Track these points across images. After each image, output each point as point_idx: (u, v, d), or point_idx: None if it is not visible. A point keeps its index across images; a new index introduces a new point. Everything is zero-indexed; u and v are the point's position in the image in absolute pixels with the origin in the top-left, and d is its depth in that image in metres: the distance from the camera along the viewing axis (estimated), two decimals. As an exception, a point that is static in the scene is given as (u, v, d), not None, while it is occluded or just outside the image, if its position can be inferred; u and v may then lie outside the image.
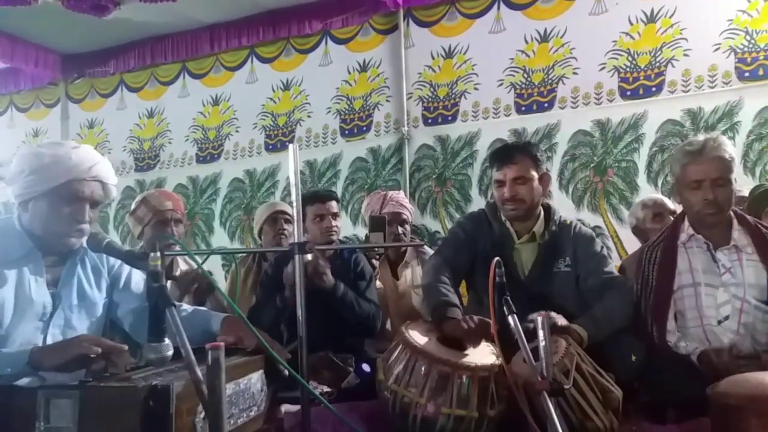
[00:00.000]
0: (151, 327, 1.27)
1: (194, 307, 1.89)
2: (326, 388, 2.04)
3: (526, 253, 2.22)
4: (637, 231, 2.99)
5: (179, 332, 1.17)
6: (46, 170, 1.65)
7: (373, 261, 2.76)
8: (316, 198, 2.65)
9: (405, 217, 2.94)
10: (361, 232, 4.05)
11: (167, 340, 1.28)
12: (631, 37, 3.59)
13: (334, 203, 2.67)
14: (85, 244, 1.79)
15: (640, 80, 3.57)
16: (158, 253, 1.26)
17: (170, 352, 1.29)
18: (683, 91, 3.47)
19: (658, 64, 3.53)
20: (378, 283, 2.81)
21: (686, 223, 2.11)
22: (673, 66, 3.50)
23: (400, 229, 2.89)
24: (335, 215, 2.66)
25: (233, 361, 1.50)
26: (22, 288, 1.66)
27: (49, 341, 1.70)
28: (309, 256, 2.27)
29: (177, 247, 1.97)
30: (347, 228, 4.06)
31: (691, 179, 2.02)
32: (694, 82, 3.45)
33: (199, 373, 1.09)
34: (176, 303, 1.86)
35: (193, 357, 1.12)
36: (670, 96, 3.50)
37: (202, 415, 1.23)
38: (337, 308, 2.42)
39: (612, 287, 2.08)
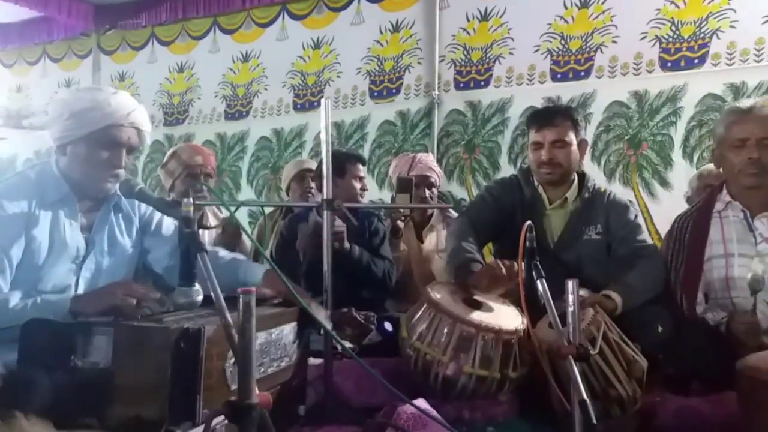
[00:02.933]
0: (182, 272, 1.29)
1: (234, 255, 1.92)
2: (348, 345, 2.07)
3: (556, 219, 2.20)
4: (690, 202, 2.91)
5: (210, 277, 1.19)
6: (85, 114, 1.66)
7: (398, 222, 2.75)
8: (359, 158, 2.73)
9: (433, 180, 2.91)
10: (386, 196, 4.04)
11: (197, 286, 1.30)
12: (677, 5, 3.44)
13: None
14: (118, 191, 1.82)
15: (683, 51, 3.44)
16: (191, 200, 1.27)
17: (200, 297, 1.31)
18: (727, 65, 3.33)
19: (702, 35, 3.39)
20: (402, 245, 2.81)
21: (724, 191, 2.06)
22: (718, 38, 3.35)
23: (427, 192, 2.86)
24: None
25: (267, 311, 1.53)
26: (57, 230, 1.70)
27: (81, 284, 1.75)
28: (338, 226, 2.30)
29: (208, 198, 1.99)
30: (373, 192, 4.03)
31: (735, 138, 1.95)
32: (739, 55, 3.31)
33: (229, 318, 1.11)
34: (212, 248, 1.90)
35: (223, 302, 1.14)
36: (713, 69, 3.36)
37: (233, 360, 1.26)
38: (353, 269, 2.43)
39: (644, 256, 2.05)
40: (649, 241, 2.16)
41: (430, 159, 3.03)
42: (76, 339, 1.16)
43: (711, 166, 2.96)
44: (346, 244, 2.40)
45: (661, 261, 2.09)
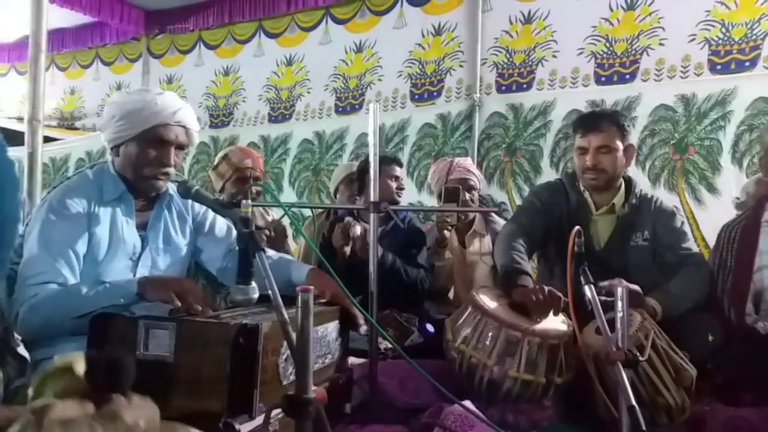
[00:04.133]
0: (239, 270, 1.34)
1: (280, 255, 1.97)
2: (394, 343, 2.10)
3: (603, 225, 2.18)
4: (743, 208, 2.81)
5: (268, 276, 1.23)
6: (134, 115, 1.73)
7: (445, 232, 2.74)
8: (393, 159, 2.81)
9: (472, 183, 2.89)
10: (425, 198, 4.05)
11: (254, 283, 1.35)
12: (727, 6, 3.37)
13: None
14: (172, 191, 1.89)
15: (733, 54, 3.36)
16: (249, 201, 1.32)
17: (256, 295, 1.36)
18: (781, 67, 3.25)
19: (754, 36, 3.31)
20: (447, 254, 2.80)
21: None
22: (771, 39, 3.27)
23: (467, 195, 2.83)
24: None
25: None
26: (116, 228, 1.77)
27: (138, 280, 1.82)
28: (357, 231, 2.33)
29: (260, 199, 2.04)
30: (412, 194, 4.06)
31: None
32: (793, 58, 3.23)
33: (286, 315, 1.15)
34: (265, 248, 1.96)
35: (280, 299, 1.18)
36: (764, 72, 3.28)
37: (285, 356, 1.30)
38: (385, 276, 2.44)
39: (689, 264, 2.03)
40: (695, 248, 2.13)
41: (468, 162, 3.01)
42: (141, 332, 1.22)
43: None
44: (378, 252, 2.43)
45: (707, 269, 2.06)
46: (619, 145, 2.15)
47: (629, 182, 2.23)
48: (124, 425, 0.53)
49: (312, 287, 1.03)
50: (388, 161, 2.77)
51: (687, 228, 2.18)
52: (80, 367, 0.85)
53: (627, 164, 2.21)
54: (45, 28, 2.53)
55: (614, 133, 2.13)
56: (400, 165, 2.89)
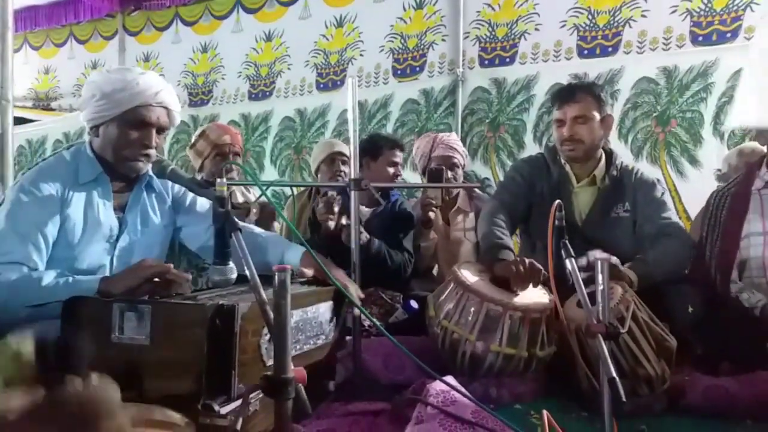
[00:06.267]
0: (216, 250, 1.32)
1: (270, 233, 1.94)
2: (375, 321, 2.09)
3: (584, 197, 2.19)
4: (724, 179, 2.80)
5: (245, 256, 1.20)
6: (115, 95, 1.69)
7: (430, 213, 2.72)
8: (396, 144, 2.75)
9: (456, 160, 2.85)
10: (409, 175, 4.03)
11: (231, 264, 1.32)
12: (709, -23, 3.35)
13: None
14: (150, 171, 1.85)
15: (715, 25, 3.35)
16: (224, 180, 1.29)
17: (234, 275, 1.33)
18: (761, 38, 3.25)
19: (735, 7, 3.29)
20: (432, 234, 2.78)
21: (764, 169, 2.02)
22: (752, 10, 3.25)
23: (449, 174, 2.79)
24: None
25: (302, 289, 1.55)
26: (92, 210, 1.73)
27: (115, 262, 1.79)
28: (344, 221, 2.31)
29: (237, 178, 2.01)
30: (396, 172, 4.04)
31: None
32: (774, 28, 3.22)
33: (264, 295, 1.13)
34: (248, 226, 1.93)
35: (258, 279, 1.16)
36: (746, 42, 3.27)
37: (267, 337, 1.28)
38: (370, 262, 2.43)
39: (668, 234, 2.04)
40: (675, 218, 2.13)
41: (452, 138, 2.95)
42: (116, 316, 1.20)
43: (753, 143, 2.88)
44: (364, 238, 2.39)
45: (687, 240, 2.07)
46: (596, 115, 2.16)
47: (610, 154, 2.24)
48: (78, 410, 0.49)
49: (302, 273, 1.01)
50: (390, 144, 2.70)
51: (668, 198, 2.20)
52: (28, 350, 0.80)
53: (605, 134, 2.22)
54: (11, 5, 2.44)
55: (590, 103, 2.15)
56: (402, 149, 2.81)
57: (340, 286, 1.48)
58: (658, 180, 2.28)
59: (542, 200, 2.15)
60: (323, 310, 1.56)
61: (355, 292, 1.65)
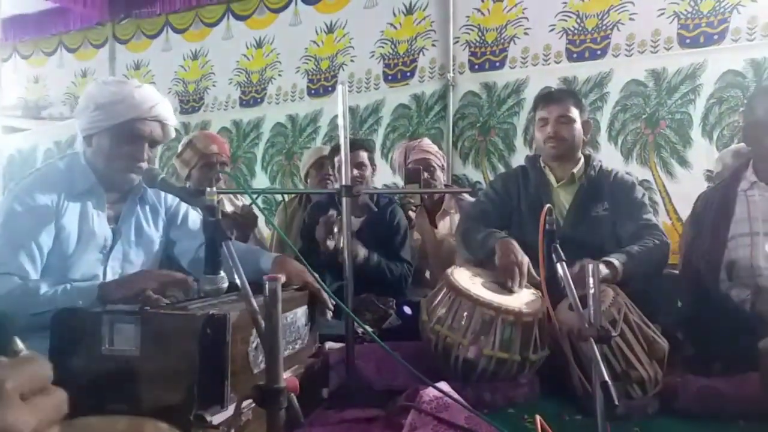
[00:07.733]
0: (207, 260, 1.31)
1: (247, 245, 1.95)
2: (368, 329, 2.09)
3: (564, 196, 2.25)
4: (717, 179, 2.79)
5: (235, 265, 1.20)
6: (110, 107, 1.69)
7: (410, 213, 2.74)
8: (361, 145, 2.74)
9: (431, 162, 2.87)
10: (401, 181, 4.04)
11: (222, 273, 1.32)
12: (695, -21, 3.38)
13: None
14: (143, 183, 1.84)
15: (702, 27, 3.38)
16: (215, 189, 1.29)
17: (225, 285, 1.33)
18: (748, 40, 3.27)
19: (722, 9, 3.33)
20: (416, 234, 2.80)
21: (750, 170, 2.03)
22: (738, 12, 3.29)
23: (425, 175, 2.77)
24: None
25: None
26: (86, 221, 1.73)
27: (109, 273, 1.79)
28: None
29: (225, 186, 2.01)
30: (387, 177, 4.03)
31: None
32: (760, 30, 3.25)
33: (255, 304, 1.13)
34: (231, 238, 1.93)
35: (248, 288, 1.15)
36: (733, 45, 3.30)
37: (254, 344, 1.28)
38: (371, 275, 2.44)
39: (650, 234, 2.07)
40: (654, 221, 2.17)
41: (425, 143, 3.01)
42: (105, 327, 1.19)
43: None
44: (361, 255, 2.43)
45: (665, 243, 2.09)
46: (578, 116, 2.25)
47: (588, 157, 2.32)
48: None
49: (281, 276, 1.02)
50: (354, 146, 2.65)
51: (647, 200, 2.25)
52: None
53: (585, 136, 2.30)
54: (-1, 15, 2.43)
55: (572, 104, 2.25)
56: (368, 150, 2.79)
57: (327, 290, 1.49)
58: (639, 181, 2.34)
59: (520, 208, 2.23)
60: (300, 314, 1.58)
61: (327, 298, 1.67)
